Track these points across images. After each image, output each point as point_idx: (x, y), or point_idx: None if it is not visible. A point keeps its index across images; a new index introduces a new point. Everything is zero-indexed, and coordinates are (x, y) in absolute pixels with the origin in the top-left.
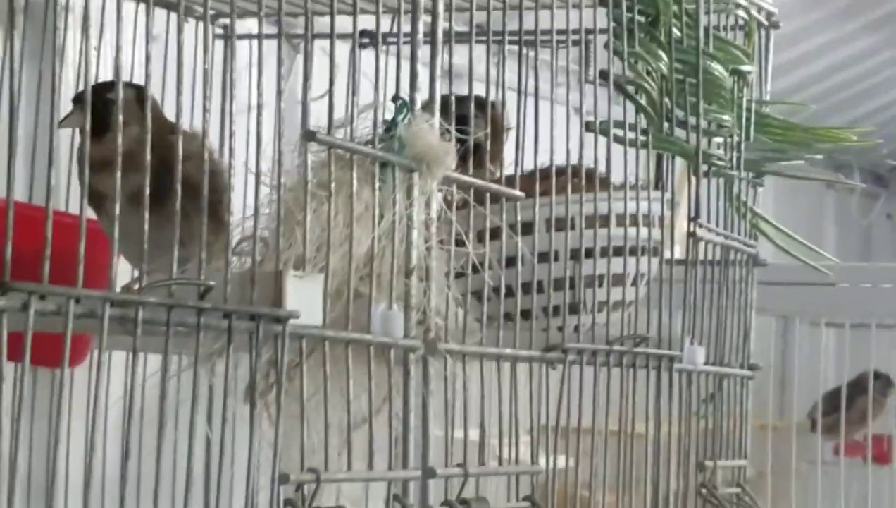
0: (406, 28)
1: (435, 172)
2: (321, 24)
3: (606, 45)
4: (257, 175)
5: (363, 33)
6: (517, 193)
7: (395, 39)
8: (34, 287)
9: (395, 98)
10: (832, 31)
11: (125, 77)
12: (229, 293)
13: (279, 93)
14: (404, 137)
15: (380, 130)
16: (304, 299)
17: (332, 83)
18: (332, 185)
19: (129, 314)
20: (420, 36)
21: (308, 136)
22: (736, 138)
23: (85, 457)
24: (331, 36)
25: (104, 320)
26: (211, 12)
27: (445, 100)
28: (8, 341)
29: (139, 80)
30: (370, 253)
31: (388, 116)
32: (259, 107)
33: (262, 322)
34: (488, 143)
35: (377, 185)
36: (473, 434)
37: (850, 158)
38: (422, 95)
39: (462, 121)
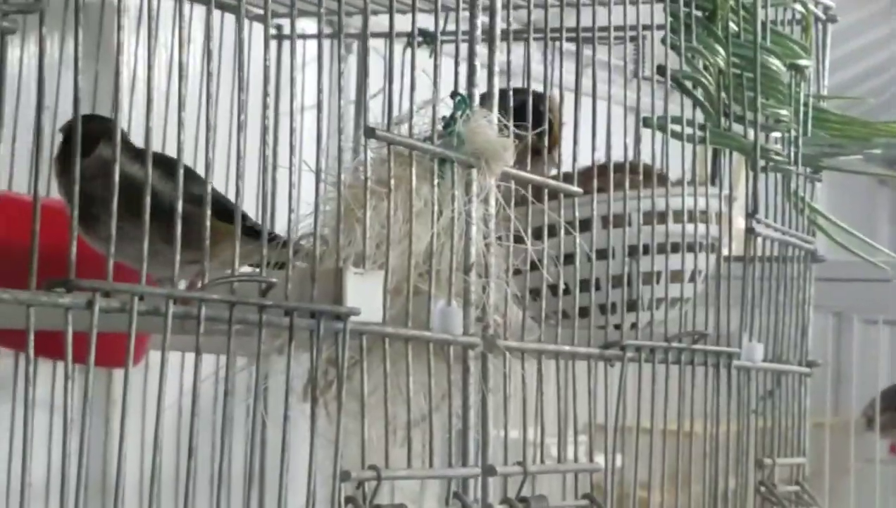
0: (461, 26)
1: (493, 168)
2: (372, 22)
3: (663, 41)
4: (317, 173)
5: (419, 32)
6: (575, 189)
7: (450, 38)
8: (99, 285)
9: (454, 94)
10: (890, 24)
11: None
12: (289, 291)
13: (339, 90)
14: (463, 133)
15: (438, 127)
16: (364, 295)
17: (391, 80)
18: (392, 181)
19: (191, 312)
20: (479, 32)
21: (368, 133)
22: (794, 133)
23: (143, 456)
24: (390, 34)
25: (167, 317)
26: (261, 12)
27: (503, 94)
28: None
29: (196, 80)
30: (429, 250)
31: (447, 113)
32: (319, 104)
33: (322, 319)
34: (547, 138)
35: (436, 181)
36: (530, 433)
37: None
38: (479, 92)
39: (519, 114)
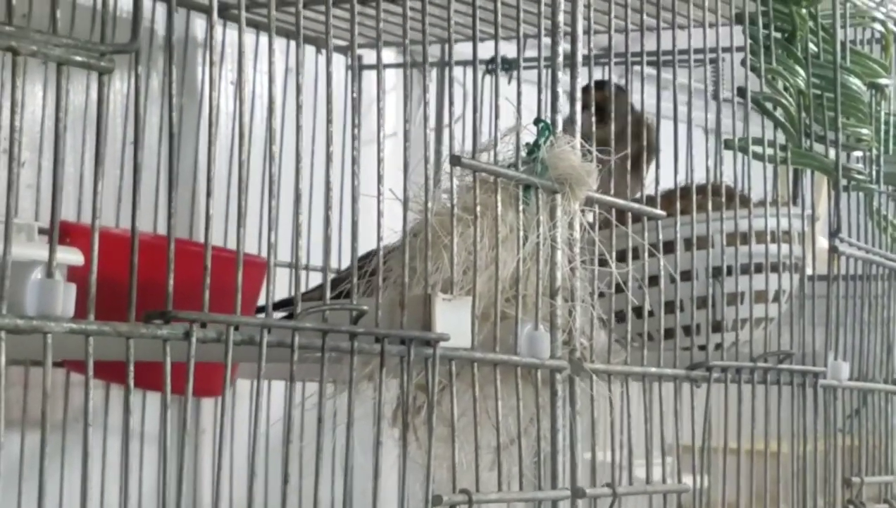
0: (543, 53)
1: (578, 193)
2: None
3: (743, 63)
4: (405, 201)
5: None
6: (658, 212)
7: (532, 64)
8: (196, 316)
9: (537, 121)
10: None
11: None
12: (380, 318)
13: (426, 118)
14: (547, 159)
15: (523, 153)
16: (453, 321)
17: (475, 109)
18: (478, 208)
19: (285, 340)
20: (560, 59)
21: (454, 161)
22: (875, 152)
23: (232, 484)
24: (473, 62)
25: (262, 346)
26: (344, 43)
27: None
28: (147, 371)
29: (278, 111)
30: (515, 275)
31: (531, 140)
32: (406, 133)
33: (412, 345)
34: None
35: (521, 207)
36: (617, 455)
37: None
38: (562, 117)
39: (601, 107)
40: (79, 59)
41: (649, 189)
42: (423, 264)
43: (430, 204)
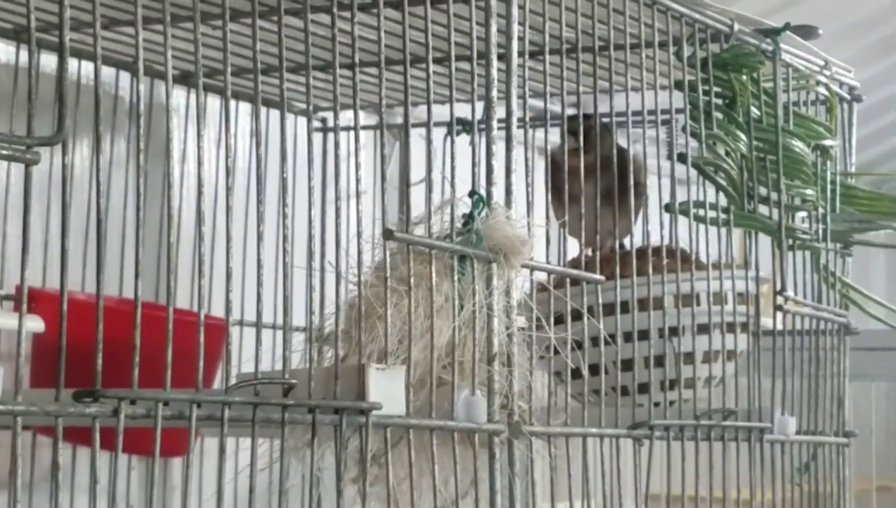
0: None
1: (513, 262)
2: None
3: (684, 129)
4: (337, 273)
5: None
6: (597, 277)
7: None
8: (124, 393)
9: (472, 193)
10: None
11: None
12: (314, 388)
13: (382, 184)
14: (481, 230)
15: (458, 225)
16: (387, 390)
17: (408, 183)
18: (412, 279)
19: (215, 414)
20: (494, 131)
21: (387, 234)
22: (821, 211)
23: None
24: (427, 125)
25: (192, 420)
26: (303, 106)
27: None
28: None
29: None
30: (452, 342)
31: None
32: (337, 210)
33: (345, 415)
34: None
35: (456, 277)
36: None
37: None
38: (498, 189)
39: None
40: (4, 152)
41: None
42: (357, 335)
43: (362, 276)
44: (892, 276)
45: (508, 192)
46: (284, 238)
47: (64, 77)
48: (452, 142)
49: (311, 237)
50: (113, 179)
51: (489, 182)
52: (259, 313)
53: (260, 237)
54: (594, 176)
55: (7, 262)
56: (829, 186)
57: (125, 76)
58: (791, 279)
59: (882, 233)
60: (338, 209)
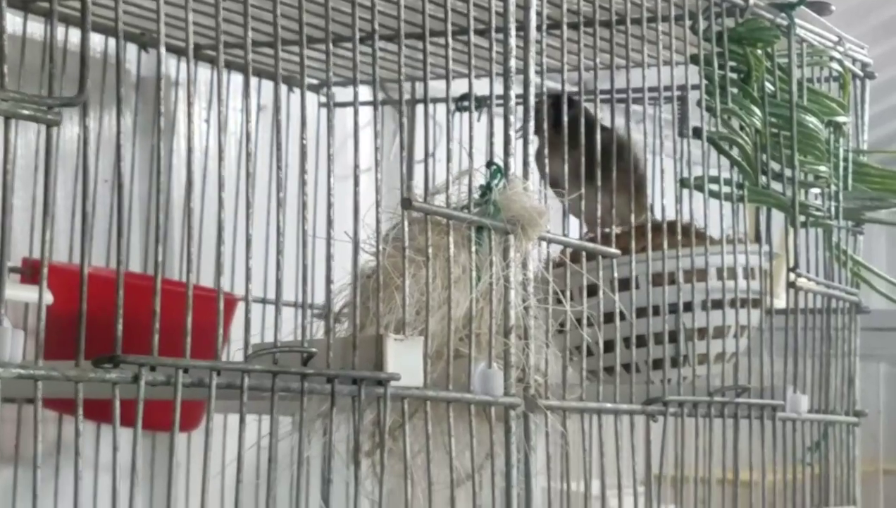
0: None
1: (530, 234)
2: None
3: (699, 103)
4: (355, 244)
5: (463, 97)
6: (613, 250)
7: (493, 103)
8: (144, 359)
9: (490, 164)
10: None
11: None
12: (332, 359)
13: (376, 163)
14: (499, 201)
15: (475, 196)
16: (405, 361)
17: (427, 151)
18: (430, 250)
19: (235, 382)
20: (513, 102)
21: (406, 204)
22: (833, 188)
23: None
24: (424, 101)
25: (212, 388)
26: (315, 81)
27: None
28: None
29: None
30: (469, 314)
31: (484, 182)
32: (356, 179)
33: (363, 385)
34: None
35: (473, 248)
36: (583, 488)
37: None
38: (516, 161)
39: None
40: (26, 112)
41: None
42: (375, 305)
43: (381, 246)
44: (893, 255)
45: (526, 163)
46: (304, 206)
47: (86, 42)
48: (471, 113)
49: (330, 205)
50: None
51: (507, 153)
52: (279, 282)
53: (280, 204)
54: (578, 156)
55: (13, 235)
56: (841, 164)
57: (132, 48)
58: (803, 257)
59: (883, 212)
60: (356, 177)
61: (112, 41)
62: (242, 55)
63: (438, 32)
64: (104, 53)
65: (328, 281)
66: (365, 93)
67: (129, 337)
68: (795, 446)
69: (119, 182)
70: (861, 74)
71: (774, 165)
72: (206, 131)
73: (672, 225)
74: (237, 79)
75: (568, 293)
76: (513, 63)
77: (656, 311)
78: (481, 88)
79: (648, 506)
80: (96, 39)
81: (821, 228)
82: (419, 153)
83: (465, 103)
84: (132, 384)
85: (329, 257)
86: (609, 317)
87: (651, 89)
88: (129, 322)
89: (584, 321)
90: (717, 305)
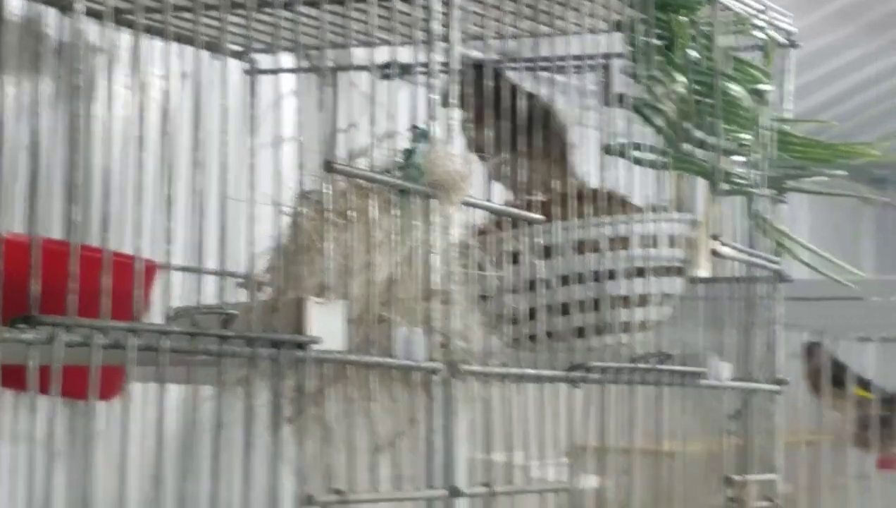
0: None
1: (453, 198)
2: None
3: (623, 70)
4: (276, 206)
5: (386, 65)
6: (537, 216)
7: (417, 70)
8: (60, 320)
9: (413, 127)
10: (859, 49)
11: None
12: (253, 322)
13: (300, 125)
14: (422, 164)
15: (398, 159)
16: (326, 325)
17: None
18: (352, 213)
19: (153, 344)
20: (437, 66)
21: (327, 166)
22: (756, 157)
23: (124, 487)
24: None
25: (130, 350)
26: (240, 48)
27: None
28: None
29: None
30: (391, 278)
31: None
32: (278, 139)
33: (284, 348)
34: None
35: (396, 212)
36: (508, 456)
37: (886, 173)
38: (440, 124)
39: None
40: None
41: None
42: (296, 269)
43: (303, 209)
44: (816, 225)
45: (449, 128)
46: (225, 168)
47: (2, 4)
48: (393, 78)
49: (252, 168)
50: (42, 118)
51: (431, 116)
52: (200, 244)
53: (200, 165)
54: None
55: None
56: (765, 132)
57: (53, 13)
58: (727, 225)
59: (806, 181)
60: (276, 139)
61: (31, 4)
62: (163, 19)
63: None
64: (25, 18)
65: (249, 244)
66: (289, 61)
67: (48, 303)
68: (718, 414)
69: (35, 150)
70: (786, 42)
71: (698, 133)
72: (129, 97)
73: (596, 192)
74: (159, 45)
75: (493, 260)
76: (436, 28)
77: (580, 279)
78: (406, 56)
79: (571, 474)
80: (14, 2)
81: (743, 196)
82: (343, 122)
83: (389, 71)
84: (47, 345)
85: (251, 220)
86: (532, 285)
87: (576, 58)
88: (48, 289)
89: (508, 288)
90: (641, 273)
